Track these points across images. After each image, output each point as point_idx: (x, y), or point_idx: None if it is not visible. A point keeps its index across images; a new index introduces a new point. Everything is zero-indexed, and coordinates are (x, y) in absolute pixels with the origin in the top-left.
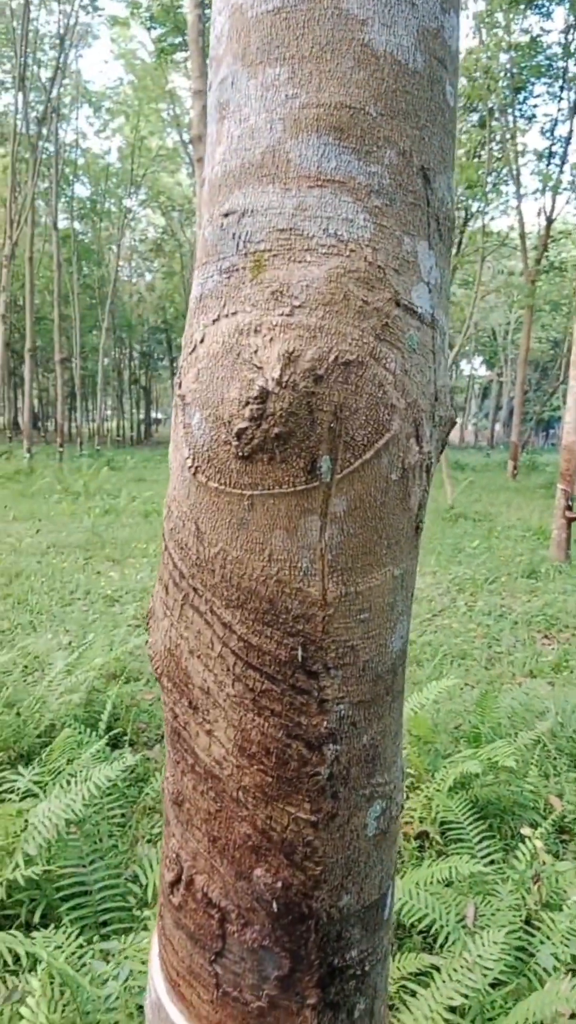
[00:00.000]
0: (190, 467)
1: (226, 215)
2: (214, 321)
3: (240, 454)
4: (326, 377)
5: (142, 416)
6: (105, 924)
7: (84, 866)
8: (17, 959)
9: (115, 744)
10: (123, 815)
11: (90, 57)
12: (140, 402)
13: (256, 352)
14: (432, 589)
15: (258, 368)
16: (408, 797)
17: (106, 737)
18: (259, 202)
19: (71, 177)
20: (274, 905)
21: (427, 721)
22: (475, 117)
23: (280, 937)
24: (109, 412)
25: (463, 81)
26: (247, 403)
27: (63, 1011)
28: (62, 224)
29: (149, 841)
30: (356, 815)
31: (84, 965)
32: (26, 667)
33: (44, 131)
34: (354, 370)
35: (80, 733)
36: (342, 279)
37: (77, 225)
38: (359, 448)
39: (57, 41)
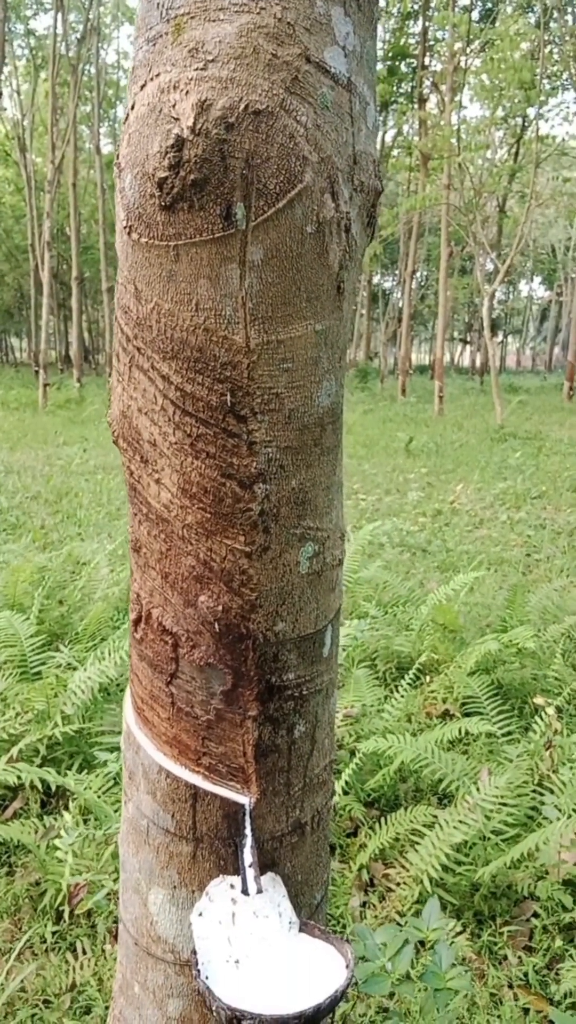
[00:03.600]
0: (125, 227)
1: None
2: (142, 87)
3: (163, 204)
4: (237, 125)
5: None
6: None
7: (117, 731)
8: (54, 803)
9: None
10: None
11: None
12: None
13: (175, 106)
14: (476, 503)
15: (175, 119)
16: (431, 680)
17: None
18: None
19: (114, 99)
20: (216, 626)
21: (453, 611)
22: (532, 19)
23: (223, 655)
24: None
25: None
26: (166, 152)
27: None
28: (105, 149)
29: None
30: (288, 551)
31: (115, 798)
32: (73, 572)
33: (85, 52)
34: (264, 119)
35: (114, 618)
36: (252, 34)
37: None
38: (272, 196)
39: None
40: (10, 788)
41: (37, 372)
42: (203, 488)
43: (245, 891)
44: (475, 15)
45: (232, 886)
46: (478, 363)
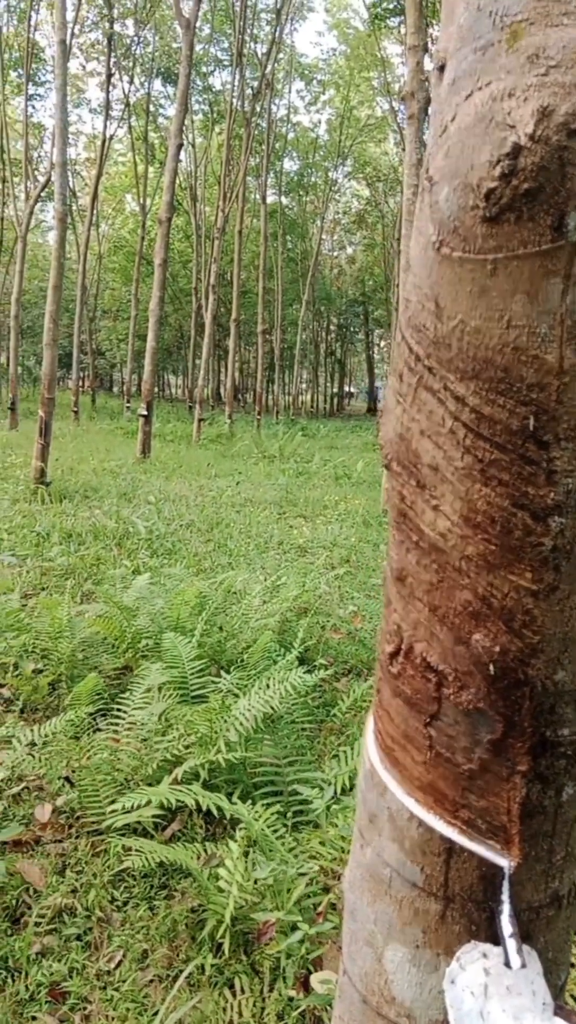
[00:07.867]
0: (435, 242)
1: None
2: (467, 97)
3: (487, 215)
4: None
5: (336, 389)
6: (296, 814)
7: (278, 762)
8: (211, 830)
9: (307, 671)
10: (312, 728)
11: (303, 30)
12: (334, 375)
13: (510, 113)
14: None
15: (511, 127)
16: None
17: (297, 653)
18: None
19: (281, 152)
20: (491, 668)
21: None
22: None
23: (495, 700)
24: (304, 385)
25: None
26: (498, 161)
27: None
28: (270, 199)
29: (335, 757)
30: None
31: (277, 834)
32: (225, 600)
33: (257, 107)
34: None
35: (275, 652)
36: None
37: (284, 199)
38: None
39: (273, 16)
40: (168, 809)
41: (191, 407)
42: (490, 518)
43: (507, 963)
44: None
45: (484, 955)
46: None
